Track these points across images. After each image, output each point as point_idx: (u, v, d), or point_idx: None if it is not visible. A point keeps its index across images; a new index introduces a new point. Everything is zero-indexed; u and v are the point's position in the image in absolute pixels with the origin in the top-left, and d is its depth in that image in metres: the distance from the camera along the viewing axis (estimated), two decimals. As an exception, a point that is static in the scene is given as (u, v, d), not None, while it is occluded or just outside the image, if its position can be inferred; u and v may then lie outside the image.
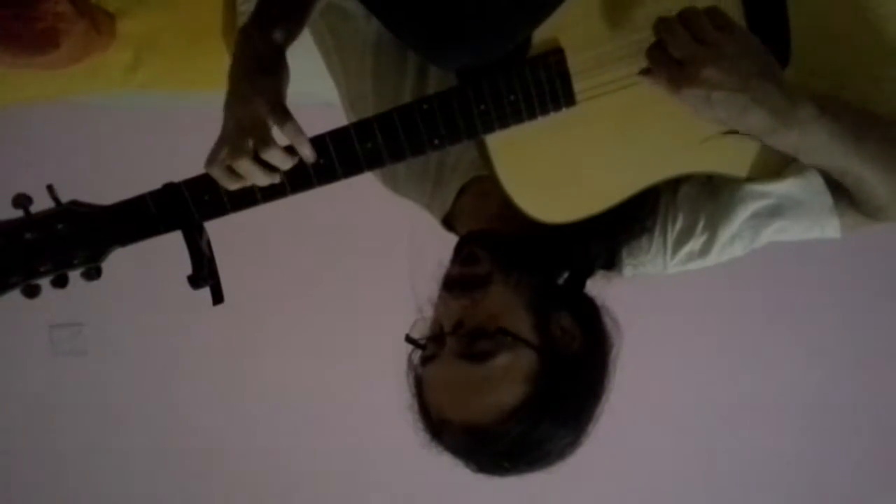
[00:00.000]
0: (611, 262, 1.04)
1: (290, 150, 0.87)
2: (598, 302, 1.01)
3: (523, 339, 0.93)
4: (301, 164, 0.89)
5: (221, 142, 0.87)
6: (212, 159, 0.86)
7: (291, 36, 0.94)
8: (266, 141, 0.84)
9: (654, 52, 0.87)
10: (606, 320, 1.00)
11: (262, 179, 0.87)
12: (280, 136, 0.87)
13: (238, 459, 2.61)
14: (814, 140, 0.86)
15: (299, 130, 0.86)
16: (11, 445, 2.63)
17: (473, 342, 0.92)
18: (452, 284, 0.98)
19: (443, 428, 0.94)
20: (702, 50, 0.83)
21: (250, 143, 0.84)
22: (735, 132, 0.95)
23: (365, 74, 1.11)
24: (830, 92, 0.91)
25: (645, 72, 0.89)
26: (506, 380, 0.92)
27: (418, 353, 1.00)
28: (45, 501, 2.67)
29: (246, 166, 0.85)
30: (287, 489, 2.64)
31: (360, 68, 1.11)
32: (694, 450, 2.55)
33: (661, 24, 0.86)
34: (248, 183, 0.88)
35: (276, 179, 0.88)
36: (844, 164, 0.89)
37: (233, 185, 0.87)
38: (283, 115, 0.85)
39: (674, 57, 0.84)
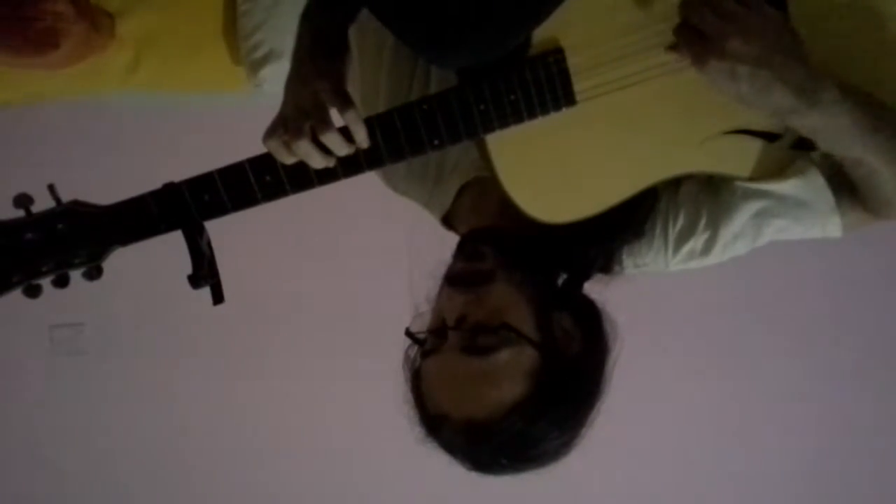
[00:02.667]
0: (610, 264, 1.04)
1: (346, 135, 0.88)
2: (599, 305, 1.02)
3: (525, 336, 0.93)
4: (301, 163, 0.89)
5: (280, 119, 0.88)
6: (270, 134, 0.87)
7: (352, 17, 0.96)
8: (325, 124, 0.86)
9: (681, 28, 0.87)
10: (606, 323, 1.00)
11: (318, 161, 0.88)
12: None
13: (237, 459, 2.61)
14: (835, 124, 0.86)
15: (358, 117, 0.87)
16: (11, 445, 2.63)
17: (476, 336, 0.93)
18: (456, 280, 0.98)
19: (440, 423, 0.94)
20: (728, 24, 0.83)
21: (309, 124, 0.85)
22: (736, 132, 0.95)
23: (380, 68, 1.11)
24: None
25: (671, 47, 0.89)
26: (507, 375, 0.92)
27: (415, 349, 1.00)
28: (44, 501, 2.67)
29: (305, 147, 0.86)
30: (287, 488, 2.64)
31: (376, 62, 1.12)
32: (691, 454, 2.55)
33: (686, 3, 0.87)
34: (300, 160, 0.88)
35: (332, 163, 0.89)
36: (861, 154, 0.89)
37: (289, 160, 0.88)
38: (345, 100, 0.87)
39: (700, 32, 0.85)
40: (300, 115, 0.86)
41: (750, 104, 0.87)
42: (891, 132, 0.88)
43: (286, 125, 0.86)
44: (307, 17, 0.95)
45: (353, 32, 1.14)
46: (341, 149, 0.88)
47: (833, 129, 0.87)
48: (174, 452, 2.62)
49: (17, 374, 2.60)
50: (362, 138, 0.88)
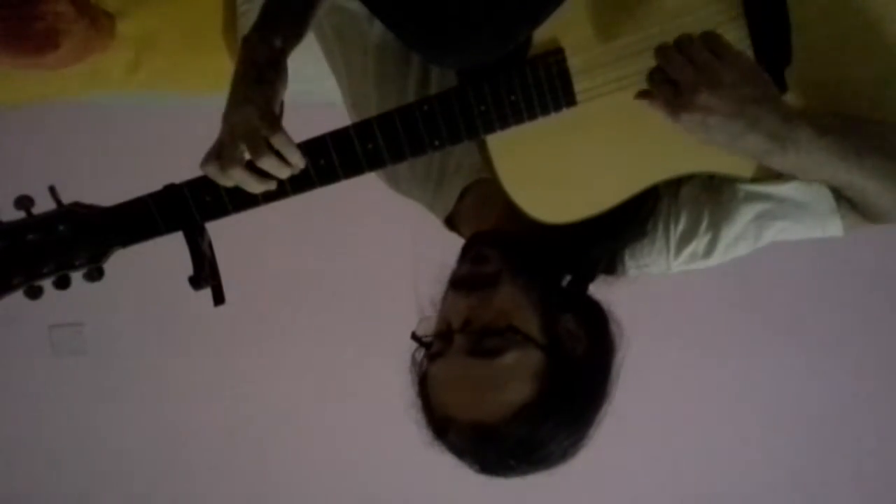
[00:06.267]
0: (613, 265, 1.04)
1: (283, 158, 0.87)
2: (604, 306, 1.01)
3: (531, 338, 0.93)
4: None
5: (217, 146, 0.87)
6: (206, 161, 0.87)
7: (293, 42, 0.95)
8: (258, 149, 0.85)
9: (654, 76, 0.88)
10: (612, 324, 1.00)
11: (255, 187, 0.88)
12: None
13: (237, 459, 2.62)
14: (813, 161, 0.87)
15: (288, 140, 0.86)
16: (11, 445, 2.63)
17: (482, 339, 0.92)
18: (461, 283, 0.98)
19: (448, 426, 0.94)
20: (698, 76, 0.84)
21: (242, 149, 0.85)
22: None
23: (367, 75, 1.11)
24: (833, 101, 0.92)
25: (642, 94, 0.90)
26: (513, 378, 0.92)
27: (422, 352, 1.00)
28: (44, 501, 2.67)
29: (238, 174, 0.86)
30: (287, 489, 2.64)
31: (363, 69, 1.12)
32: (696, 454, 2.55)
33: (659, 51, 0.87)
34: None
35: (272, 186, 0.89)
36: (847, 179, 0.90)
37: (229, 184, 0.88)
38: (272, 125, 0.86)
39: (672, 82, 0.85)
40: (233, 141, 0.86)
41: (725, 149, 0.88)
42: (876, 155, 0.88)
43: (220, 151, 0.86)
44: (244, 42, 0.93)
45: (336, 43, 1.14)
46: (278, 171, 0.87)
47: (812, 165, 0.88)
48: (175, 452, 2.63)
49: (17, 374, 2.60)
50: (297, 160, 0.87)
